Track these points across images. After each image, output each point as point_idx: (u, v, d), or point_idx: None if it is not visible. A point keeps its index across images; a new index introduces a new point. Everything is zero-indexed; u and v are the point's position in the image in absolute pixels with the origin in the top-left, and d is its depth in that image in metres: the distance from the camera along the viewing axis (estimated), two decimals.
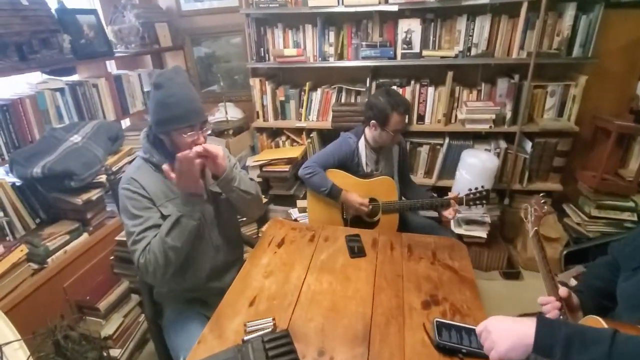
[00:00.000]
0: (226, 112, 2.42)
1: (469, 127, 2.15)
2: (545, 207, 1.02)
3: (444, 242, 1.36)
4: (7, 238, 1.52)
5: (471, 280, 1.13)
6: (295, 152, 2.38)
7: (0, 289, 1.35)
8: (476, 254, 2.17)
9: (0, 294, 1.35)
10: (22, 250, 1.44)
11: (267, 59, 2.37)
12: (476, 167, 2.02)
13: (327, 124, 2.36)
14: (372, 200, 1.64)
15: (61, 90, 1.77)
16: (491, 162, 2.04)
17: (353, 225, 1.68)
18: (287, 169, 2.31)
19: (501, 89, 2.12)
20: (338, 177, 1.64)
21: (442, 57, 2.09)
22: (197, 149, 1.04)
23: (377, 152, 1.71)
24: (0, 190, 1.49)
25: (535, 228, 0.97)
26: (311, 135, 2.44)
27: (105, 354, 1.47)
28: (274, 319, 0.98)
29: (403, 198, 1.86)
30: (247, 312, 1.05)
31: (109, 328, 1.64)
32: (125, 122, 2.36)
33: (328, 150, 1.69)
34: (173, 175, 1.03)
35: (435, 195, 1.85)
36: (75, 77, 2.00)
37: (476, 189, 1.51)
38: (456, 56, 2.08)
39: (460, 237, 2.11)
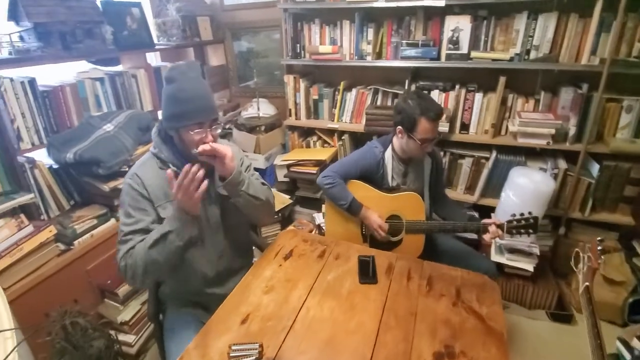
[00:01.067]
0: (258, 108, 2.39)
1: (522, 141, 1.88)
2: (603, 257, 0.80)
3: (474, 279, 1.15)
4: (42, 217, 1.61)
5: (500, 334, 0.93)
6: (324, 154, 2.27)
7: (27, 267, 1.43)
8: (519, 288, 1.90)
9: (26, 271, 1.43)
10: (50, 231, 1.51)
11: (302, 55, 2.28)
12: (526, 189, 1.75)
13: (360, 126, 2.21)
14: (395, 217, 1.48)
15: (101, 79, 1.83)
16: (546, 184, 1.75)
17: (373, 242, 1.54)
18: (314, 171, 2.21)
19: (565, 99, 1.82)
20: (359, 190, 1.51)
21: (493, 60, 1.84)
22: (205, 147, 1.00)
23: (406, 164, 1.54)
24: (37, 172, 1.58)
25: (587, 284, 0.76)
26: (343, 138, 2.32)
27: (114, 336, 1.47)
28: (261, 346, 0.89)
29: (435, 216, 1.67)
30: (237, 330, 0.97)
31: (126, 314, 1.68)
32: None
33: (351, 160, 1.56)
34: (175, 183, 0.95)
35: (476, 214, 1.62)
36: (119, 68, 2.08)
37: (522, 215, 1.28)
38: (511, 59, 1.82)
39: (500, 267, 1.85)
